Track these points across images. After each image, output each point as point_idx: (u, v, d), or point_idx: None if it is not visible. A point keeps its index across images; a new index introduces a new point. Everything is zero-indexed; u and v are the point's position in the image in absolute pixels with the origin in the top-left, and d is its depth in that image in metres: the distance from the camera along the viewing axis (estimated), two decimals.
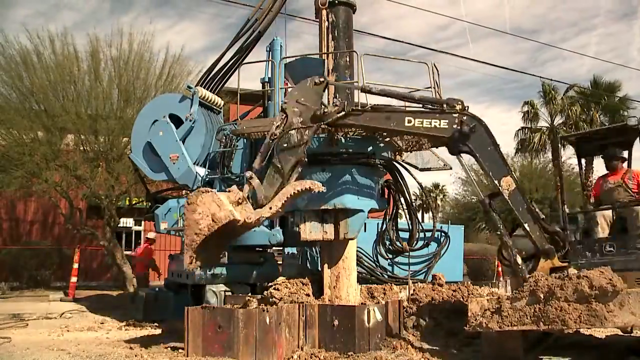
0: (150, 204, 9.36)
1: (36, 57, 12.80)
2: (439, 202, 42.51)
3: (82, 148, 12.93)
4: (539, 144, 24.34)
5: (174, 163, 7.92)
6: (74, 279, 12.08)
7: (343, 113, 5.67)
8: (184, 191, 9.55)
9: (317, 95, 5.79)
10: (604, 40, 78.29)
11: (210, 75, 8.70)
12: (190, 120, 7.99)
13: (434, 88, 6.47)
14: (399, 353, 5.90)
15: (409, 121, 5.72)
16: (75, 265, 12.24)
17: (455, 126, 5.54)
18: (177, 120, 8.11)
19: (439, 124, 5.65)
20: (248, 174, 5.47)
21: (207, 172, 7.96)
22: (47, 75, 12.68)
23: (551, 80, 30.12)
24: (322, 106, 5.67)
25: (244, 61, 8.44)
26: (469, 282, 11.03)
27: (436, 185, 48.33)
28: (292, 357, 5.74)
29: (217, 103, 8.79)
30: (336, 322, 6.06)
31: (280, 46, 7.79)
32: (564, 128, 24.25)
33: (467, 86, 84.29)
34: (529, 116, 25.50)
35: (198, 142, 8.07)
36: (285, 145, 5.63)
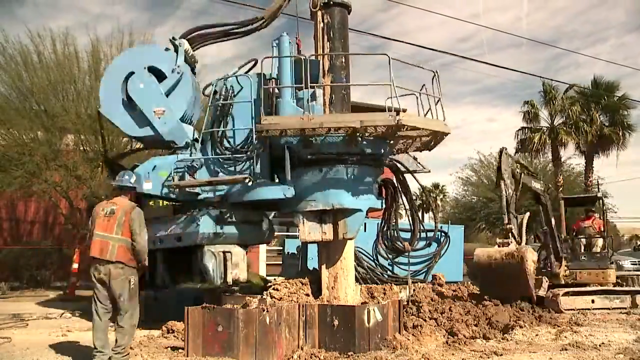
0: (109, 169, 8.68)
1: (36, 56, 12.81)
2: (439, 202, 42.52)
3: (82, 148, 12.94)
4: (539, 144, 24.32)
5: (159, 118, 7.26)
6: (74, 279, 12.08)
7: None
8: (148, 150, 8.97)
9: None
10: (616, 50, 79.70)
11: (193, 35, 8.05)
12: (178, 73, 7.40)
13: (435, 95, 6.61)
14: (399, 353, 5.90)
15: None
16: (75, 265, 12.23)
17: None
18: (156, 74, 7.45)
19: None
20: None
21: (193, 131, 7.55)
22: (47, 75, 12.68)
23: (552, 80, 30.15)
24: None
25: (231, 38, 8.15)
26: (469, 282, 11.05)
27: (436, 185, 48.27)
28: (292, 357, 5.74)
29: (196, 62, 8.27)
30: (336, 322, 6.06)
31: (290, 43, 7.53)
32: (564, 128, 24.23)
33: (484, 92, 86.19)
34: (529, 116, 25.48)
35: (185, 98, 7.49)
36: None
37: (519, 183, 9.58)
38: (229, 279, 7.31)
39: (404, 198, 8.16)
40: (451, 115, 9.41)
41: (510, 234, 8.63)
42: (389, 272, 10.72)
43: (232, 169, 7.43)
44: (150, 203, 8.32)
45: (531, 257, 8.25)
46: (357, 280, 8.30)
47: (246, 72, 7.75)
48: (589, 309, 9.81)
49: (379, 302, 6.64)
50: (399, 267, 10.48)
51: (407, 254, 9.22)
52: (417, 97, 7.11)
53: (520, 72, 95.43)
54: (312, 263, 9.36)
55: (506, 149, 9.40)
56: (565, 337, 7.10)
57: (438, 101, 7.13)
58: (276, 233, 10.90)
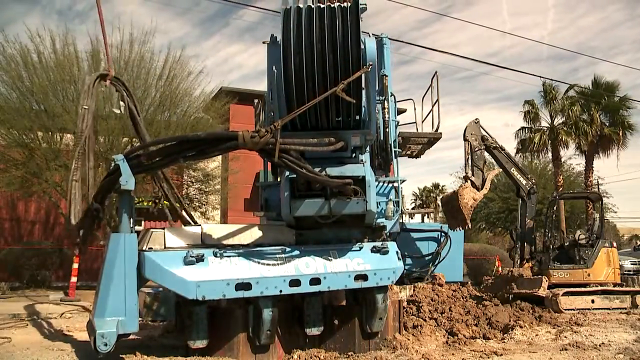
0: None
1: (36, 56, 12.79)
2: (438, 202, 42.48)
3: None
4: (539, 144, 24.30)
5: None
6: (74, 279, 12.09)
7: None
8: None
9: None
10: (633, 62, 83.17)
11: None
12: None
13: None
14: (399, 353, 5.90)
15: None
16: (76, 265, 12.23)
17: None
18: None
19: None
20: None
21: None
22: (47, 75, 12.67)
23: (552, 80, 30.13)
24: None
25: None
26: (469, 282, 11.05)
27: (436, 185, 48.33)
28: (292, 357, 5.74)
29: None
30: (336, 322, 6.07)
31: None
32: (564, 128, 24.21)
33: (504, 99, 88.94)
34: (530, 116, 25.46)
35: None
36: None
37: (490, 149, 10.40)
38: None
39: None
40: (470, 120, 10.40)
41: (469, 181, 9.70)
42: None
43: None
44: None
45: (468, 194, 9.43)
46: None
47: None
48: (589, 309, 9.81)
49: None
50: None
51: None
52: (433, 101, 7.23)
53: (520, 72, 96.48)
54: None
55: (479, 120, 10.34)
56: (565, 337, 7.10)
57: (436, 102, 7.20)
58: None
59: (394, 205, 6.53)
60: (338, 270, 5.64)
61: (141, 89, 13.25)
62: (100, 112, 12.75)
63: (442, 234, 10.92)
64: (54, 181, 12.51)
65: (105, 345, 4.68)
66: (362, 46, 5.15)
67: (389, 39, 6.98)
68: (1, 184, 12.61)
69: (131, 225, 5.21)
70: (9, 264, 15.05)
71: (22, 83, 12.62)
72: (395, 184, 6.96)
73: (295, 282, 5.42)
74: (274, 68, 5.37)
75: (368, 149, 6.22)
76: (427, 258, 10.96)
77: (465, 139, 10.09)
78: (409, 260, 10.52)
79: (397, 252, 6.14)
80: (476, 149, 10.00)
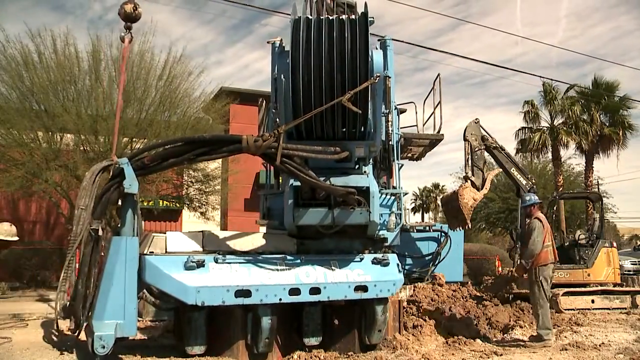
0: None
1: (37, 56, 12.79)
2: (438, 202, 42.49)
3: (82, 148, 12.91)
4: (539, 144, 24.29)
5: None
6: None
7: None
8: None
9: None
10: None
11: None
12: None
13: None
14: (399, 353, 5.90)
15: None
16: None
17: None
18: None
19: None
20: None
21: None
22: (48, 75, 12.66)
23: (552, 80, 30.13)
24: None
25: None
26: (469, 282, 11.05)
27: (436, 185, 48.37)
28: (292, 357, 5.74)
29: None
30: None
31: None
32: (564, 128, 24.20)
33: (513, 103, 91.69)
34: (530, 116, 25.45)
35: None
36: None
37: (490, 149, 10.28)
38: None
39: None
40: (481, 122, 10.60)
41: (469, 181, 9.58)
42: None
43: None
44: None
45: (469, 194, 9.35)
46: None
47: None
48: (589, 309, 9.81)
49: None
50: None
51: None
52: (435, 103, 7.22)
53: (520, 71, 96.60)
54: None
55: (479, 120, 10.23)
56: (565, 337, 7.11)
57: (438, 104, 7.20)
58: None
59: (395, 218, 6.56)
60: (338, 280, 5.64)
61: (141, 89, 13.24)
62: (100, 113, 12.78)
63: (442, 234, 10.92)
64: (54, 181, 12.51)
65: (103, 347, 4.69)
66: (370, 59, 5.18)
67: (392, 39, 6.94)
68: (1, 184, 12.60)
69: (134, 228, 5.20)
70: (10, 264, 15.05)
71: (23, 83, 12.61)
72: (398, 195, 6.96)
73: (295, 291, 5.41)
74: (282, 77, 5.38)
75: (371, 160, 6.23)
76: (427, 258, 10.97)
77: (465, 139, 10.10)
78: (409, 260, 10.52)
79: (397, 264, 6.14)
80: (476, 149, 9.99)
